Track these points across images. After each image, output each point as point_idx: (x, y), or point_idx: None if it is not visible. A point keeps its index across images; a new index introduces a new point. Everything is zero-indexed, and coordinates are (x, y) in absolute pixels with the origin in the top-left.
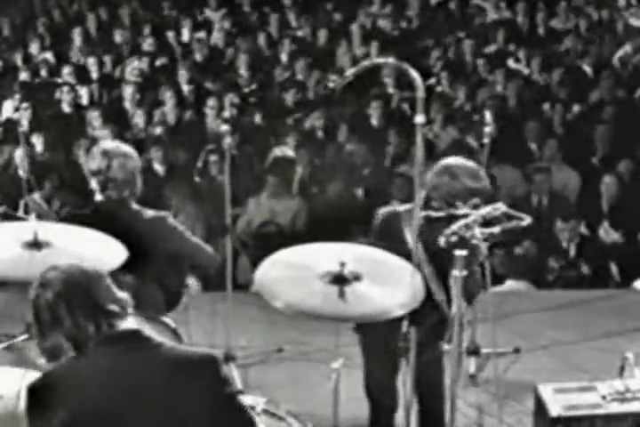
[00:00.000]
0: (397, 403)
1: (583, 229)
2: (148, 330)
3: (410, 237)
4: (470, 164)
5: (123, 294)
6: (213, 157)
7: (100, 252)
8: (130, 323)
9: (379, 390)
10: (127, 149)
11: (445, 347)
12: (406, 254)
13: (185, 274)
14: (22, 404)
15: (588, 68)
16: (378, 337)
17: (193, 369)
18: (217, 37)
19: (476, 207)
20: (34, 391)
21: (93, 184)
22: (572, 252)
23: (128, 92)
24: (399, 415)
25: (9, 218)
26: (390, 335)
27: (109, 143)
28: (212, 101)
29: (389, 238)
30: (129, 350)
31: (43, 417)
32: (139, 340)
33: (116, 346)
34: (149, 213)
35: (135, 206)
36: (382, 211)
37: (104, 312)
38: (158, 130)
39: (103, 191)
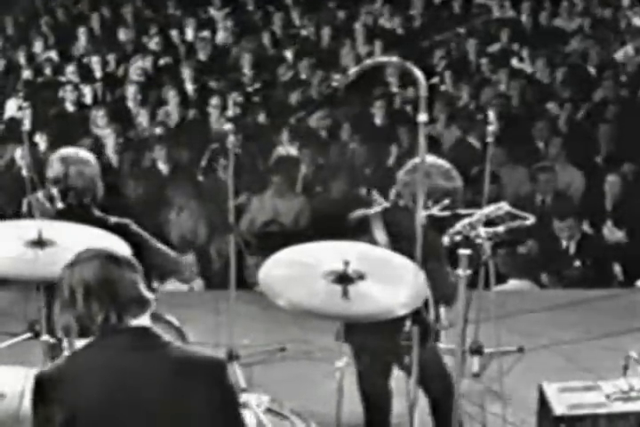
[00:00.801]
0: (391, 405)
1: (587, 228)
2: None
3: (381, 239)
4: (443, 162)
5: (148, 294)
6: (220, 157)
7: None
8: (143, 320)
9: (373, 393)
10: (85, 155)
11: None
12: None
13: (150, 279)
14: (25, 402)
15: (591, 68)
16: (367, 340)
17: (198, 372)
18: (221, 36)
19: (446, 209)
20: (40, 383)
21: (54, 192)
22: (572, 250)
23: (131, 91)
24: (397, 415)
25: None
26: (379, 338)
27: (67, 150)
28: (215, 100)
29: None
30: (136, 347)
31: (48, 409)
32: (147, 337)
33: (123, 341)
34: (113, 219)
35: (98, 213)
36: (353, 215)
37: (118, 305)
38: (162, 129)
39: (64, 200)
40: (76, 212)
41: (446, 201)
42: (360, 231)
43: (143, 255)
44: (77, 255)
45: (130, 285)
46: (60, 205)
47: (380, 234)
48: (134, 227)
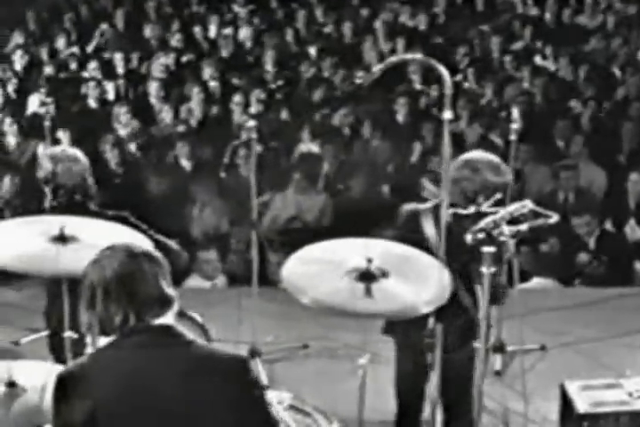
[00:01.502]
0: (424, 405)
1: (609, 227)
2: (181, 327)
3: (431, 234)
4: (493, 157)
5: (171, 291)
6: (241, 152)
7: None
8: (166, 319)
9: (408, 392)
10: (72, 152)
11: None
12: (428, 252)
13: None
14: (46, 397)
15: (614, 65)
16: (408, 338)
17: (218, 370)
18: (244, 33)
19: (498, 203)
20: (61, 381)
21: (46, 191)
22: (592, 246)
23: (153, 88)
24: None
25: None
26: (419, 335)
27: (54, 149)
28: (238, 97)
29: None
30: (156, 346)
31: (69, 407)
32: (168, 335)
33: (144, 340)
34: (110, 213)
35: (94, 208)
36: (405, 208)
37: (137, 306)
38: (184, 126)
39: (55, 198)
40: (71, 209)
41: (497, 196)
42: (410, 225)
43: None
44: (99, 253)
45: (151, 282)
46: (52, 203)
47: (430, 229)
48: (132, 219)
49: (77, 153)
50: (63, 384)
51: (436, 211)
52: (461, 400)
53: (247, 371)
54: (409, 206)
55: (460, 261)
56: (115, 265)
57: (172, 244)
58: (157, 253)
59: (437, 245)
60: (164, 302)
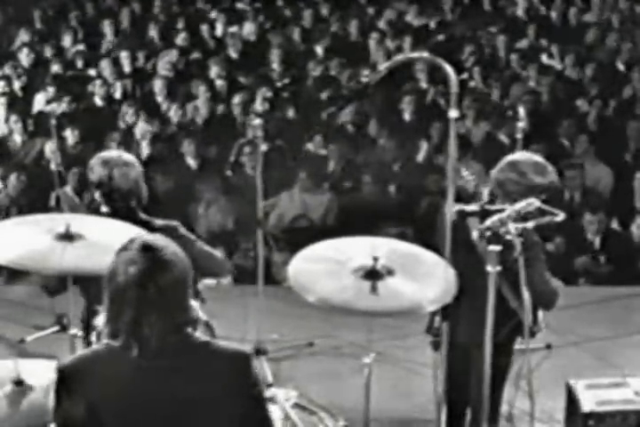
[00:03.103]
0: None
1: (615, 226)
2: None
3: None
4: (538, 158)
5: (193, 304)
6: (247, 151)
7: None
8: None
9: (459, 394)
10: (128, 157)
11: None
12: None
13: (196, 282)
14: (52, 395)
15: (620, 64)
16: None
17: (222, 365)
18: (250, 32)
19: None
20: (63, 372)
21: (97, 196)
22: (597, 245)
23: (159, 86)
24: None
25: None
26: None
27: (109, 153)
28: (241, 96)
29: (458, 242)
30: (162, 343)
31: (69, 398)
32: (175, 333)
33: (150, 339)
34: (159, 222)
35: (143, 216)
36: (448, 210)
37: (154, 313)
38: (191, 124)
39: (108, 203)
40: (121, 215)
41: (543, 197)
42: (457, 228)
43: (191, 258)
44: (120, 253)
45: (170, 290)
46: (104, 209)
47: (476, 233)
48: (182, 229)
49: (132, 158)
50: (64, 376)
51: (482, 213)
52: (495, 398)
53: (249, 364)
54: (455, 208)
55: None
56: (132, 269)
57: (218, 254)
58: (179, 257)
59: (482, 250)
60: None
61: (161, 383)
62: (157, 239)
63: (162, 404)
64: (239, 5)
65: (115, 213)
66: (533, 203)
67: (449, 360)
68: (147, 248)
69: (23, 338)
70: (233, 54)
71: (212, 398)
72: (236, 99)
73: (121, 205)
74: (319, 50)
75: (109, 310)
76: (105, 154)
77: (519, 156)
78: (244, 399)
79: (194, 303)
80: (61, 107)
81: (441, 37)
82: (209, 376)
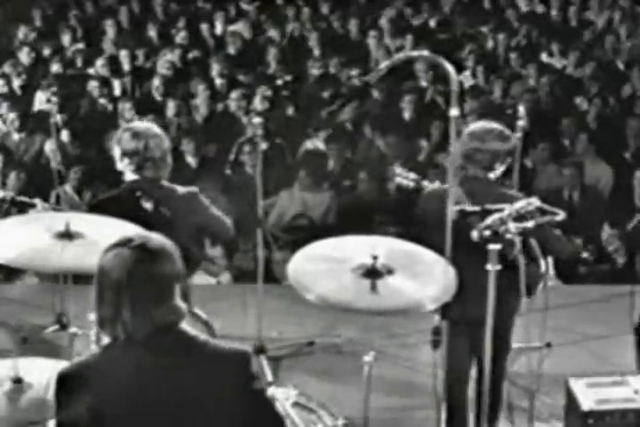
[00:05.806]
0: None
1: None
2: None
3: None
4: (494, 125)
5: (181, 304)
6: (247, 149)
7: None
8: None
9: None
10: (158, 129)
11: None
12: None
13: (203, 244)
14: (51, 393)
15: (620, 62)
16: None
17: (222, 364)
18: (250, 30)
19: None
20: (63, 378)
21: (124, 165)
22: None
23: (159, 84)
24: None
25: (17, 205)
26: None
27: (141, 124)
28: (238, 92)
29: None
30: (161, 343)
31: (70, 404)
32: (174, 333)
33: (148, 339)
34: (181, 189)
35: (166, 184)
36: (427, 191)
37: (145, 307)
38: (190, 122)
39: (139, 171)
40: (147, 183)
41: (509, 159)
42: (435, 206)
43: (202, 222)
44: (112, 249)
45: (161, 285)
46: (132, 176)
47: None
48: (201, 196)
49: (161, 131)
50: (65, 381)
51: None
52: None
53: (248, 363)
54: (432, 188)
55: (468, 258)
56: (125, 264)
57: (227, 220)
58: (171, 251)
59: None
60: (172, 308)
61: (161, 384)
62: (152, 235)
63: (162, 404)
64: (240, 4)
65: (141, 181)
66: (533, 202)
67: (449, 356)
68: (139, 240)
69: (25, 337)
70: (232, 53)
71: (213, 398)
72: (233, 94)
73: (150, 174)
74: (319, 48)
75: (96, 297)
76: (134, 125)
77: (476, 125)
78: (245, 398)
79: (182, 305)
80: (57, 106)
81: (442, 36)
82: (209, 376)
